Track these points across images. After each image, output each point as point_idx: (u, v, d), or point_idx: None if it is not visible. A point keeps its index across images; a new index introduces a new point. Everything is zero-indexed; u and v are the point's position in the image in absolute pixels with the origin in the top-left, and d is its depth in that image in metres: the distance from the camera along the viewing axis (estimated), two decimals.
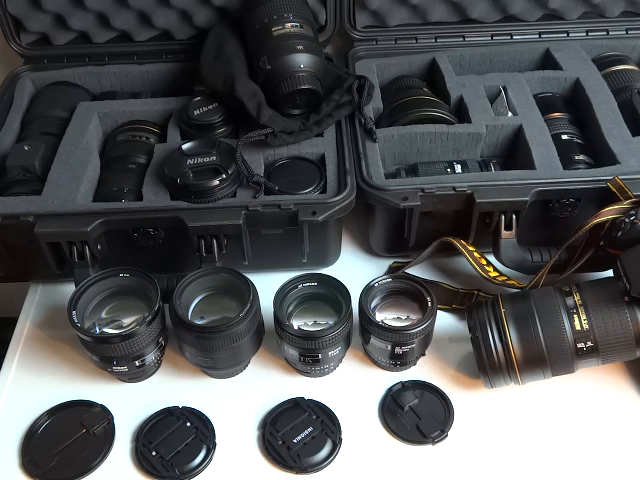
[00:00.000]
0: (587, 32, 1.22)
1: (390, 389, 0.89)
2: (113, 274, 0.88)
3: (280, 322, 0.84)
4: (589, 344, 0.79)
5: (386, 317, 0.90)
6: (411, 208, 0.93)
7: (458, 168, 1.00)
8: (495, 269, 0.95)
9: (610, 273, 0.86)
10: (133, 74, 1.18)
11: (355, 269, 1.04)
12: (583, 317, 0.79)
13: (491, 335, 0.81)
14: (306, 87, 1.00)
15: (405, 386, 0.89)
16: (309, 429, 0.84)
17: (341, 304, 0.87)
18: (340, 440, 0.84)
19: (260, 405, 0.88)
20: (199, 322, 0.87)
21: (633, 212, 0.83)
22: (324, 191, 0.96)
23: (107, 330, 0.89)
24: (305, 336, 0.84)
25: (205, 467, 0.82)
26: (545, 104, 1.08)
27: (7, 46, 1.19)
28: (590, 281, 0.84)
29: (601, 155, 1.01)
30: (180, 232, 0.91)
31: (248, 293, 0.84)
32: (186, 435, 0.84)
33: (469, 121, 1.04)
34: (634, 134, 1.01)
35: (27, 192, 0.96)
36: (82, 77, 1.17)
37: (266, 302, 0.88)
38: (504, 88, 1.10)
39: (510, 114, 1.06)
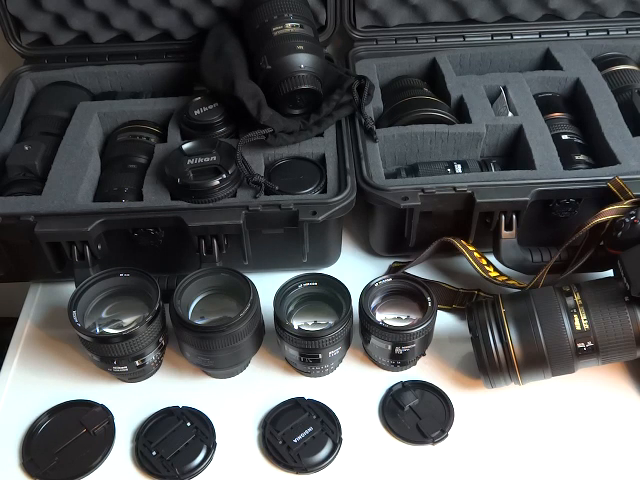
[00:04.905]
0: (587, 32, 1.22)
1: (390, 389, 0.89)
2: (113, 274, 0.88)
3: (280, 322, 0.84)
4: (589, 344, 0.79)
5: (386, 317, 0.90)
6: (411, 208, 0.93)
7: (458, 168, 1.00)
8: (495, 269, 0.95)
9: (610, 273, 0.86)
10: (133, 74, 1.18)
11: (355, 269, 1.04)
12: (583, 317, 0.79)
13: (491, 335, 0.81)
14: (306, 87, 1.00)
15: (405, 386, 0.89)
16: (309, 429, 0.84)
17: (341, 304, 0.87)
18: (340, 440, 0.84)
19: (260, 405, 0.88)
20: (199, 322, 0.87)
21: (633, 212, 0.83)
22: (324, 191, 0.96)
23: (107, 330, 0.89)
24: (305, 336, 0.84)
25: (205, 467, 0.82)
26: (545, 104, 1.08)
27: (7, 46, 1.19)
28: (590, 281, 0.84)
29: (601, 155, 1.01)
30: (180, 232, 0.91)
31: (248, 293, 0.84)
32: (186, 435, 0.84)
33: (469, 121, 1.04)
34: (634, 134, 1.01)
35: (27, 192, 0.96)
36: (82, 77, 1.17)
37: (266, 302, 0.88)
38: (504, 88, 1.10)
39: (510, 114, 1.06)
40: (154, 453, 0.83)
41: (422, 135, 1.03)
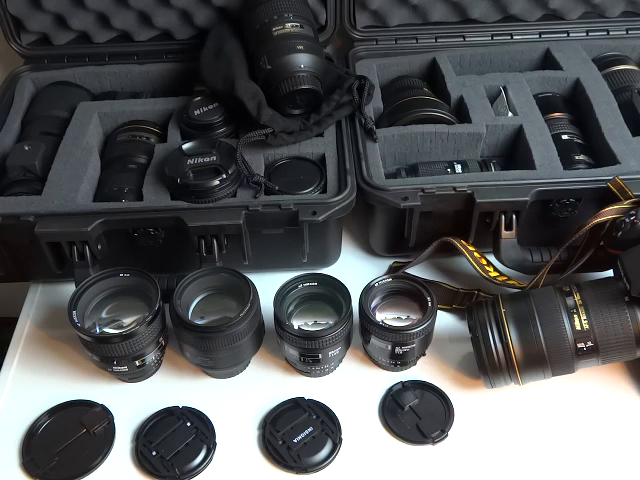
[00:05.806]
0: (587, 32, 1.22)
1: (390, 389, 0.89)
2: (113, 274, 0.88)
3: (280, 322, 0.84)
4: (589, 344, 0.79)
5: (386, 317, 0.90)
6: (411, 208, 0.93)
7: (458, 168, 1.00)
8: (495, 269, 0.95)
9: (610, 273, 0.86)
10: (133, 74, 1.18)
11: (355, 269, 1.04)
12: (583, 317, 0.79)
13: (491, 335, 0.81)
14: (306, 87, 1.00)
15: (405, 386, 0.89)
16: (309, 429, 0.84)
17: (341, 304, 0.87)
18: (340, 440, 0.84)
19: (260, 405, 0.88)
20: (199, 322, 0.87)
21: (633, 212, 0.83)
22: (324, 191, 0.96)
23: (107, 330, 0.89)
24: (305, 336, 0.84)
25: (205, 467, 0.82)
26: (545, 104, 1.08)
27: (7, 46, 1.19)
28: (590, 281, 0.84)
29: (601, 155, 1.01)
30: (180, 232, 0.91)
31: (248, 293, 0.84)
32: (186, 435, 0.84)
33: (469, 121, 1.04)
34: (634, 134, 1.01)
35: (27, 192, 0.96)
36: (82, 77, 1.18)
37: (266, 302, 0.88)
38: (504, 88, 1.10)
39: (510, 114, 1.06)
40: (154, 453, 0.83)
41: (422, 135, 1.03)
